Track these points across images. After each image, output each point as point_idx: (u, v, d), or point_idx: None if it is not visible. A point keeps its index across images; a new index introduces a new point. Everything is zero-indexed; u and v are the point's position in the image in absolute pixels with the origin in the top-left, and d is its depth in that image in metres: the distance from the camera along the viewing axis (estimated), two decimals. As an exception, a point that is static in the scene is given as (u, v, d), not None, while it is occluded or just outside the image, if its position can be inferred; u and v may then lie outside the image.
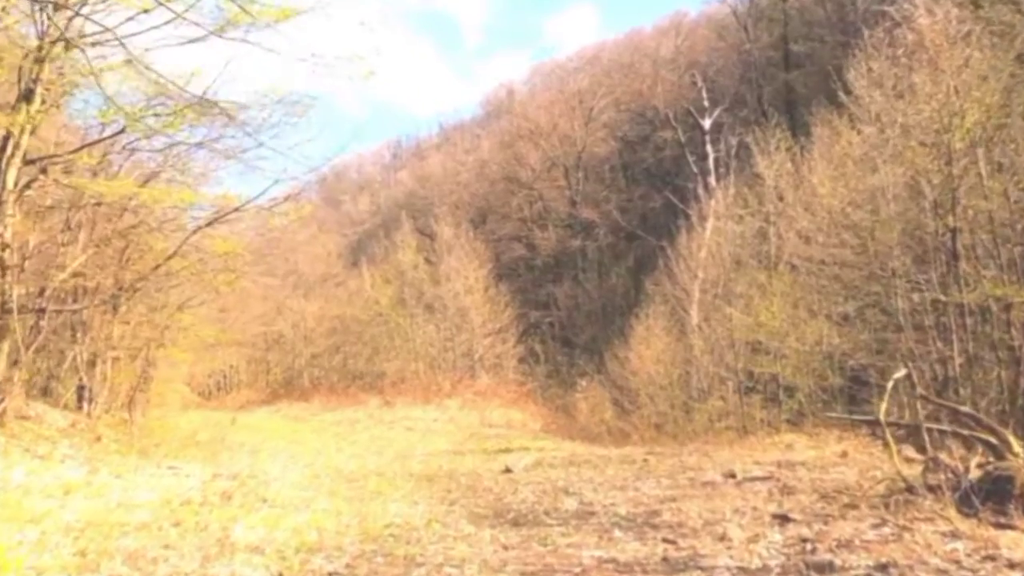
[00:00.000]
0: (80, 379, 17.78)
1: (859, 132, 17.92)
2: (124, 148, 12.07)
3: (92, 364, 18.02)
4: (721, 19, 49.80)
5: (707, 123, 34.05)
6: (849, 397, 20.03)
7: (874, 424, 9.86)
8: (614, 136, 53.61)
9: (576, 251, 48.29)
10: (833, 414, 15.04)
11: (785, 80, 41.70)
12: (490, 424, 21.28)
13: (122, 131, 11.16)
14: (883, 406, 7.83)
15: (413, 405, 25.46)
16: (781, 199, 21.66)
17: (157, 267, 13.43)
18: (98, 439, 13.77)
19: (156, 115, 10.20)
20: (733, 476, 9.47)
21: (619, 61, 62.22)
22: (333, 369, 38.62)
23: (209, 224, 12.50)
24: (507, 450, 14.87)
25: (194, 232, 12.83)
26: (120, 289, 15.26)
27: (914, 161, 13.96)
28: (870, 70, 16.27)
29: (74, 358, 17.56)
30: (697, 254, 28.67)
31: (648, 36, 64.35)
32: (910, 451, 9.38)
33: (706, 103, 34.64)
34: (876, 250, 15.19)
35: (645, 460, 11.75)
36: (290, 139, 13.38)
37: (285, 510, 7.75)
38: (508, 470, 11.54)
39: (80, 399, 17.74)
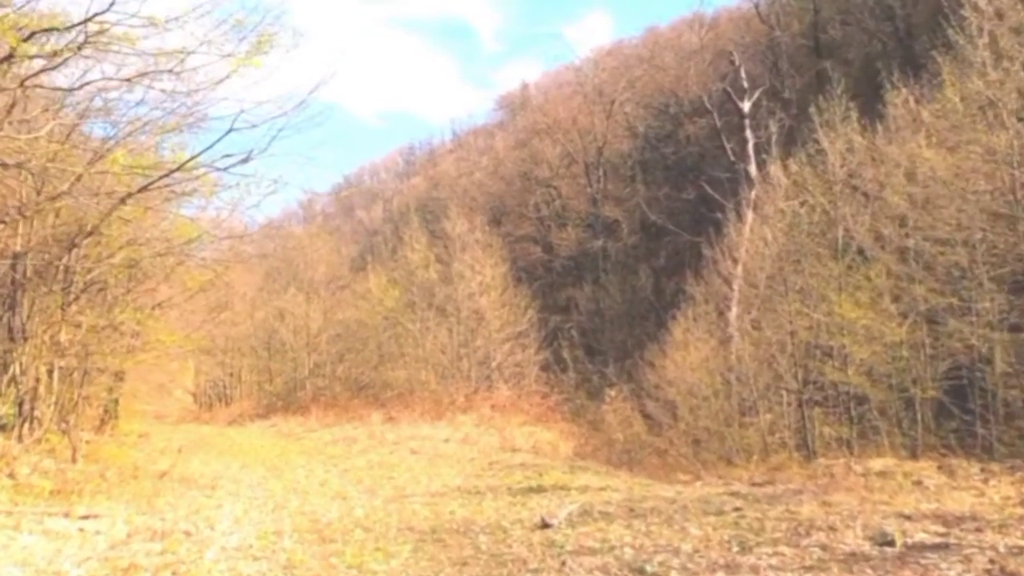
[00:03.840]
0: (21, 395, 14.71)
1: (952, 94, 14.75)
2: (24, 85, 8.94)
3: (35, 377, 14.94)
4: (746, 11, 47.40)
5: (746, 106, 30.73)
6: (941, 411, 16.84)
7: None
8: (635, 133, 50.77)
9: (597, 252, 45.28)
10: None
11: (818, 69, 39.00)
12: (513, 447, 17.92)
13: (9, 56, 8.07)
14: None
15: (420, 422, 22.20)
16: (851, 176, 18.42)
17: (88, 234, 10.36)
18: (10, 475, 10.64)
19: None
20: (891, 543, 6.22)
21: (638, 55, 59.32)
22: (336, 379, 35.47)
23: (143, 190, 9.38)
24: (539, 488, 11.50)
25: (126, 198, 9.71)
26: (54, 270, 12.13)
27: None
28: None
29: (5, 367, 14.49)
30: (742, 248, 25.59)
31: (666, 32, 61.57)
32: None
33: (745, 84, 31.30)
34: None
35: (737, 510, 8.51)
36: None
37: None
38: (545, 524, 8.32)
39: (22, 420, 14.67)
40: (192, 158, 9.22)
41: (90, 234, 10.96)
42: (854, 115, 18.79)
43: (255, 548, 7.53)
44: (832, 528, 6.97)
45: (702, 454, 19.96)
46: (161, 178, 9.17)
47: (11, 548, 7.02)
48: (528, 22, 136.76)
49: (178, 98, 10.39)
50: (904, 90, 17.67)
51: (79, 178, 10.16)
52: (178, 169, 9.22)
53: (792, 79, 40.52)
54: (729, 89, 31.32)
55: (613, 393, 27.03)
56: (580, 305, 42.18)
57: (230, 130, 9.07)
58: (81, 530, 8.01)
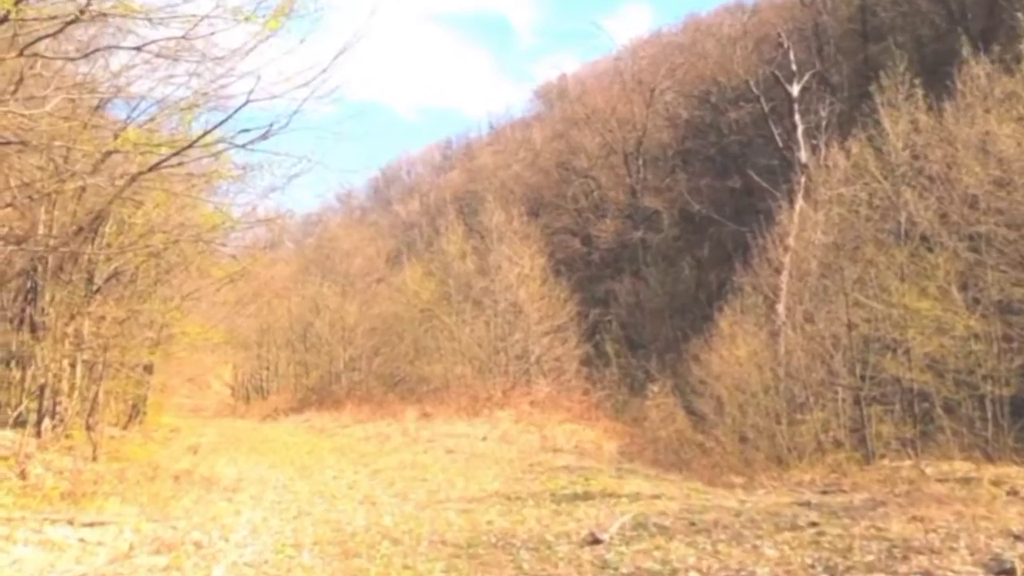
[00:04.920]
0: (41, 389, 14.16)
1: None
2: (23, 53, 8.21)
3: (55, 371, 14.35)
4: (789, -1, 46.10)
5: (795, 89, 29.39)
6: (1017, 409, 15.62)
7: None
8: (675, 122, 49.56)
9: (637, 243, 44.19)
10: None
11: (866, 53, 37.55)
12: (554, 447, 16.90)
13: (4, 19, 7.35)
14: None
15: (456, 418, 21.27)
16: (916, 158, 17.22)
17: (96, 218, 9.64)
18: (21, 474, 9.98)
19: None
20: (1009, 572, 5.24)
21: (678, 43, 57.97)
22: (371, 373, 34.78)
23: (154, 168, 8.61)
24: (586, 495, 10.49)
25: (136, 177, 8.96)
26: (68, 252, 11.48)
27: None
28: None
29: (25, 360, 13.96)
30: (790, 237, 24.44)
31: (707, 20, 60.15)
32: None
33: (794, 67, 29.94)
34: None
35: (813, 524, 7.52)
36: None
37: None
38: (595, 540, 7.41)
39: (41, 416, 14.11)
40: (206, 132, 8.41)
41: (99, 217, 10.28)
42: (919, 92, 17.59)
43: (270, 564, 6.75)
44: (933, 551, 5.97)
45: (749, 452, 18.95)
46: (174, 155, 8.38)
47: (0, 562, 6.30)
48: (565, 15, 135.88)
49: (195, 73, 9.67)
50: (977, 65, 16.45)
51: (87, 157, 9.45)
52: (192, 145, 8.42)
53: (839, 64, 39.14)
54: (777, 73, 30.00)
55: (656, 388, 26.01)
56: (619, 298, 41.15)
57: (247, 101, 8.24)
58: (82, 540, 7.29)
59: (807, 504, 8.93)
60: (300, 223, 68.19)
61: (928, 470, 11.70)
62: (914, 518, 7.23)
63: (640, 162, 47.41)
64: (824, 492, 10.42)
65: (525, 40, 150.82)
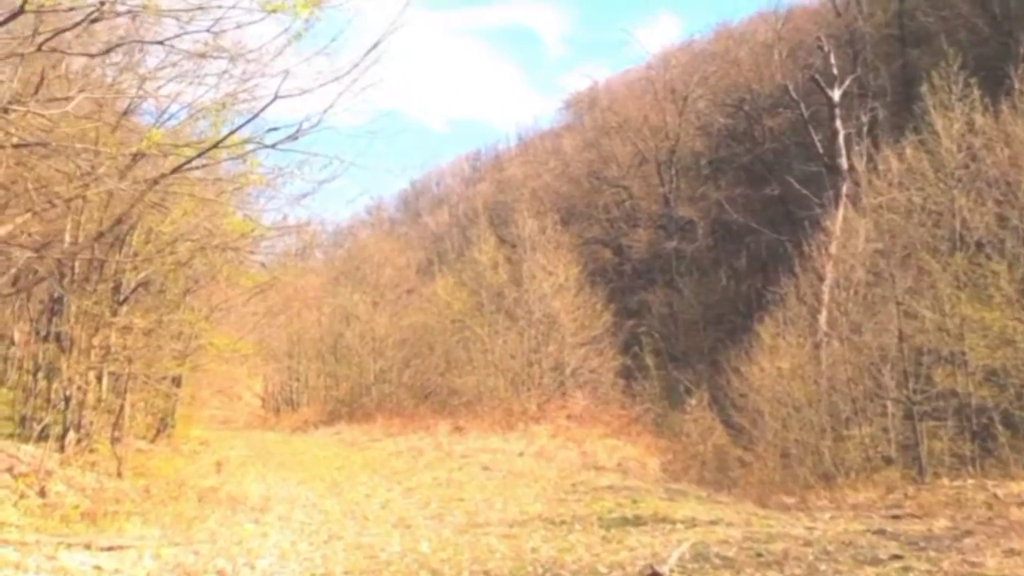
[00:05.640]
0: (66, 402, 13.78)
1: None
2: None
3: (80, 384, 13.97)
4: (820, 4, 45.20)
5: (836, 94, 28.59)
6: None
7: None
8: (708, 131, 48.87)
9: (670, 253, 43.45)
10: None
11: (904, 60, 36.66)
12: (596, 465, 16.20)
13: (20, 11, 6.94)
14: None
15: (490, 432, 20.63)
16: (973, 160, 16.46)
17: (118, 222, 9.20)
18: (40, 492, 9.54)
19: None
20: None
21: (711, 51, 57.22)
22: (402, 385, 34.30)
23: (178, 170, 8.16)
24: (636, 520, 9.74)
25: (159, 179, 8.50)
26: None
27: None
28: None
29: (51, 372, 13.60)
30: (830, 246, 23.69)
31: (738, 28, 59.34)
32: None
33: (835, 70, 29.15)
34: None
35: (897, 558, 6.84)
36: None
37: None
38: (653, 573, 6.78)
39: (65, 430, 13.73)
40: (232, 132, 7.96)
41: (121, 222, 9.87)
42: (975, 92, 16.82)
43: (299, 596, 6.21)
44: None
45: (793, 468, 18.22)
46: (198, 155, 7.93)
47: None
48: (592, 27, 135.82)
49: (224, 72, 9.25)
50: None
51: (112, 161, 9.03)
52: (218, 145, 7.96)
53: (876, 70, 38.27)
54: (817, 77, 29.21)
55: (694, 402, 25.27)
56: (653, 309, 40.44)
57: (275, 97, 7.77)
58: (98, 568, 6.80)
59: (882, 532, 8.21)
60: (330, 235, 68.34)
61: (999, 492, 10.89)
62: (1009, 551, 6.53)
63: (673, 171, 46.75)
64: (895, 517, 9.69)
65: (553, 52, 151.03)
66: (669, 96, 49.82)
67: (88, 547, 7.45)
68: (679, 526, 9.16)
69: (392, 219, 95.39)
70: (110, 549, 7.51)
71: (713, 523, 9.28)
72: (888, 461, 17.74)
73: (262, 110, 7.96)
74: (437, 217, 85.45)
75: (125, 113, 13.00)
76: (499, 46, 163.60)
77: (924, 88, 17.87)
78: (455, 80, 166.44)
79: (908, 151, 16.98)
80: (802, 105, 31.35)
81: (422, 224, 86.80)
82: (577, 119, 74.56)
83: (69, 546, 7.36)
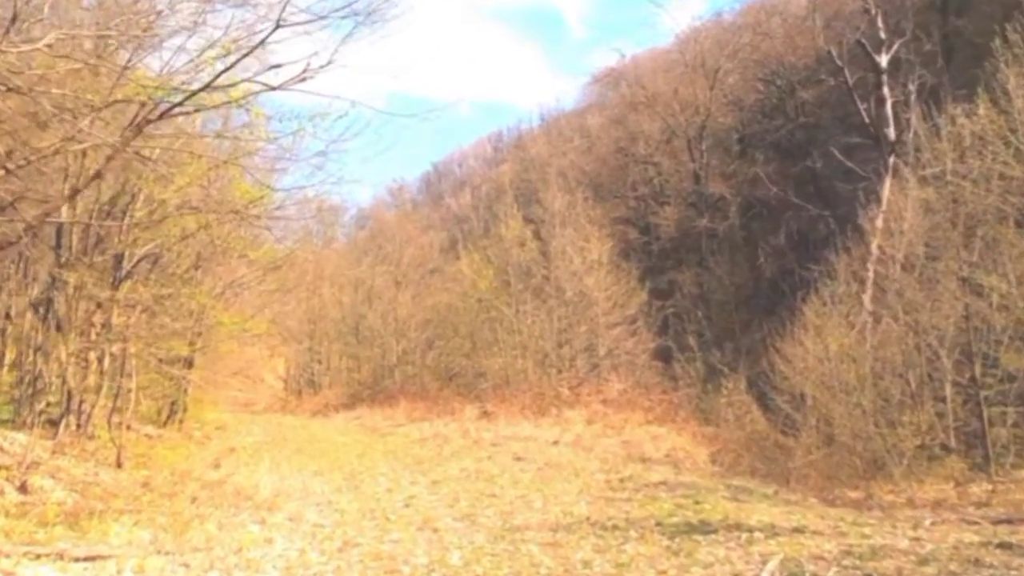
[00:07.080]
0: (62, 385, 12.73)
1: None
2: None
3: (78, 365, 12.91)
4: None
5: (884, 60, 26.92)
6: None
7: None
8: (740, 105, 47.22)
9: (702, 231, 41.97)
10: None
11: (946, 29, 34.82)
12: (641, 456, 14.85)
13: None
14: None
15: (521, 418, 19.37)
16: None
17: (95, 177, 8.06)
18: (21, 488, 8.45)
19: None
20: None
21: (742, 23, 55.36)
22: (426, 367, 33.19)
23: (165, 113, 6.97)
24: (704, 526, 8.21)
25: (143, 124, 7.32)
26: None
27: None
28: None
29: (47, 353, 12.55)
30: (877, 220, 22.36)
31: (769, 1, 57.34)
32: None
33: (882, 35, 27.44)
34: None
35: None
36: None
37: None
38: (742, 599, 5.55)
39: (61, 415, 12.70)
40: (228, 68, 6.77)
41: (96, 177, 8.73)
42: (1056, 45, 15.31)
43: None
44: None
45: (838, 455, 16.96)
46: (188, 97, 6.76)
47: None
48: (616, 8, 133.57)
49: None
50: None
51: (88, 108, 7.84)
52: (211, 84, 6.78)
53: (918, 41, 36.54)
54: (864, 41, 27.54)
55: (731, 385, 24.06)
56: (684, 289, 39.07)
57: (277, 26, 6.57)
58: (67, 581, 5.70)
59: (1008, 547, 6.89)
60: (352, 217, 67.59)
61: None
62: None
63: (704, 147, 45.19)
64: (1009, 522, 8.37)
65: (577, 32, 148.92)
66: (699, 70, 48.23)
67: (60, 557, 6.36)
68: (757, 535, 7.78)
69: (414, 201, 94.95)
70: (86, 559, 6.41)
71: (797, 531, 7.91)
72: (946, 449, 16.47)
73: (263, 40, 6.75)
74: (460, 199, 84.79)
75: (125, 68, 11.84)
76: (522, 29, 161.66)
77: (996, 43, 16.37)
78: (478, 63, 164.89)
79: (981, 111, 15.47)
80: (846, 71, 29.63)
81: (444, 206, 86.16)
82: (602, 96, 73.05)
83: (37, 556, 6.26)
